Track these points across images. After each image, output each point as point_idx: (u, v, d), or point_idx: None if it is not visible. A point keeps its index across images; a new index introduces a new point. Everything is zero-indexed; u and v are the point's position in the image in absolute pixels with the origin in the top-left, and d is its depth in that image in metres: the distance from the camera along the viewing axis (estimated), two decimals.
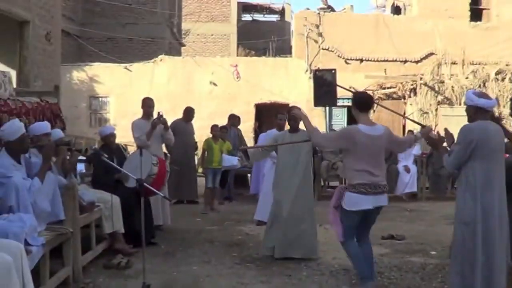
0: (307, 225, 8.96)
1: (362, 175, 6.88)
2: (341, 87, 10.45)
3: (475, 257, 6.04)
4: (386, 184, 7.10)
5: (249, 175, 16.99)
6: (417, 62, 25.95)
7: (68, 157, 8.18)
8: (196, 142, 15.50)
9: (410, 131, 18.62)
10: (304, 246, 8.90)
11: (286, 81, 26.59)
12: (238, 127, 16.85)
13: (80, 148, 8.43)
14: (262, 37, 45.12)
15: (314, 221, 9.13)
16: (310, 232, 9.00)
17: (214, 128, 14.59)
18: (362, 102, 7.23)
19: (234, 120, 16.80)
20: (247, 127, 24.03)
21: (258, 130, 25.45)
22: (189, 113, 15.24)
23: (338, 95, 20.02)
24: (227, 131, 15.22)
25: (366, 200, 6.86)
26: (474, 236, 6.05)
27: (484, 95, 6.50)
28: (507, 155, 7.20)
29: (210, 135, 14.43)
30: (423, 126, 8.08)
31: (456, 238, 6.24)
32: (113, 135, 10.37)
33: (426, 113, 24.18)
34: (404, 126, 24.53)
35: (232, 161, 13.61)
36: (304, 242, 8.90)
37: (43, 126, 7.90)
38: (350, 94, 23.24)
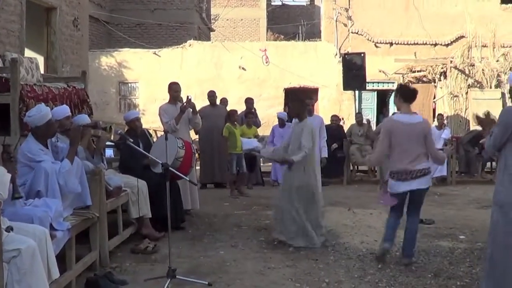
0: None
1: (396, 163, 7.65)
2: None
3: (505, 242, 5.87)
4: (423, 168, 7.63)
5: None
6: (447, 45, 25.58)
7: (94, 142, 8.20)
8: None
9: (440, 115, 18.42)
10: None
11: (315, 65, 26.32)
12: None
13: (105, 127, 8.38)
14: (292, 21, 45.06)
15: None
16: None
17: (233, 112, 14.47)
18: (408, 94, 7.85)
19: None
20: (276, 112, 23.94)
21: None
22: (209, 97, 15.44)
23: (368, 79, 20.10)
24: (253, 116, 15.15)
25: (403, 185, 7.65)
26: (506, 220, 5.88)
27: None
28: None
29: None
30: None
31: (492, 221, 6.09)
32: (138, 120, 10.35)
33: (456, 96, 23.90)
34: (434, 110, 24.34)
35: (251, 143, 13.48)
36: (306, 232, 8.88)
37: (64, 110, 7.93)
38: (379, 78, 23.30)
